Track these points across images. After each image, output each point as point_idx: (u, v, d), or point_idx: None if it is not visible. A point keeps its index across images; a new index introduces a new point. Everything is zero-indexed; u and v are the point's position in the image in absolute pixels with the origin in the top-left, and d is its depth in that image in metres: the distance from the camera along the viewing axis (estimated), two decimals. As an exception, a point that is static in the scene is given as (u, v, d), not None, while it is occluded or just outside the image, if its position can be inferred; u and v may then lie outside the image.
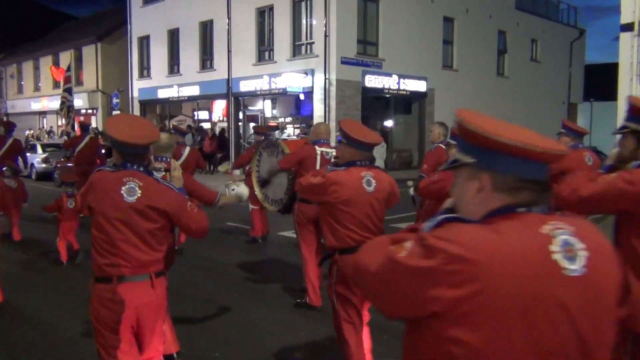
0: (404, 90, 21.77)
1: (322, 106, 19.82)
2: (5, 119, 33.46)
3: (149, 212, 2.97)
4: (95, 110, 30.98)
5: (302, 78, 20.04)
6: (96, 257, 3.00)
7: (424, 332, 1.32)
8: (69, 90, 17.42)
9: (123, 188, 2.95)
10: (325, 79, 19.61)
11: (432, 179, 4.62)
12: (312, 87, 20.06)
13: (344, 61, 19.67)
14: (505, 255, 1.25)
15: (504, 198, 1.34)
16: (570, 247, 1.28)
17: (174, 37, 25.93)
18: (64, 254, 7.72)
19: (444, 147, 6.25)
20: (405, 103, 22.80)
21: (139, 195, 2.95)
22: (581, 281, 1.26)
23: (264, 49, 22.09)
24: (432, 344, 1.30)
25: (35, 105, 35.31)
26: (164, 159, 3.91)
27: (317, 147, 5.79)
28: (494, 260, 1.24)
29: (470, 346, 1.24)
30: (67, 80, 17.81)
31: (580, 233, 1.31)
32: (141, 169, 3.04)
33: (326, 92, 19.66)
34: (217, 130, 23.53)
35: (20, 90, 37.98)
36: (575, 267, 1.27)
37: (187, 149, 8.01)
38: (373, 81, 20.62)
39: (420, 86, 22.33)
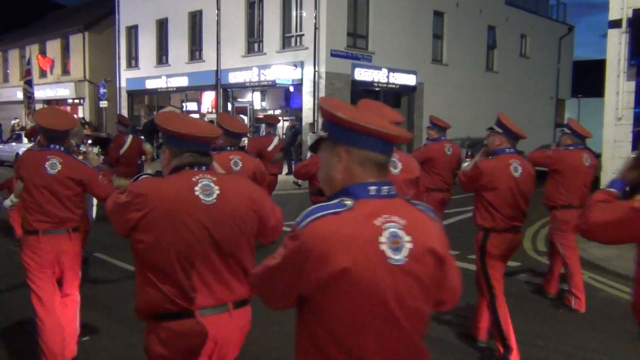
0: (393, 83, 21.76)
1: (312, 99, 19.77)
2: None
3: (67, 181, 3.93)
4: (82, 100, 30.67)
5: (292, 70, 19.97)
6: (26, 214, 3.93)
7: (132, 242, 2.36)
8: (29, 82, 17.96)
9: (47, 163, 3.88)
10: (315, 71, 19.57)
11: (303, 162, 5.60)
12: (302, 79, 20.01)
13: (334, 54, 19.64)
14: (162, 191, 2.30)
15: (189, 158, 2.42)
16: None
17: (162, 27, 25.74)
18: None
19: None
20: (394, 97, 22.78)
21: (59, 168, 3.90)
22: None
23: (254, 41, 21.98)
24: (134, 249, 2.36)
25: (21, 94, 34.54)
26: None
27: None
28: (155, 193, 2.28)
29: (146, 242, 2.28)
30: (27, 72, 18.33)
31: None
32: (61, 149, 3.97)
33: (315, 84, 19.59)
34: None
35: (5, 78, 37.59)
36: (209, 199, 2.32)
37: (130, 137, 8.88)
38: (363, 74, 20.58)
39: (409, 80, 22.33)
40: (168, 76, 25.18)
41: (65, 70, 31.77)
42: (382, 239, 1.54)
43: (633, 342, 3.02)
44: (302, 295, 1.61)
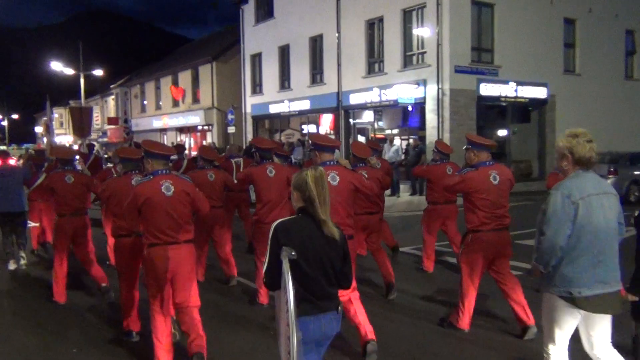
0: (522, 97, 20.63)
1: (435, 117, 19.31)
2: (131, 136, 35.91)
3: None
4: (210, 127, 32.24)
5: (414, 89, 19.62)
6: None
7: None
8: (125, 121, 19.43)
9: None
10: (438, 89, 19.12)
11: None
12: (424, 97, 19.59)
13: (458, 70, 19.10)
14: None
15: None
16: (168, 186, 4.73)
17: (284, 53, 26.48)
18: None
19: None
20: (523, 111, 21.57)
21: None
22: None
23: (374, 61, 21.93)
24: None
25: (157, 123, 37.51)
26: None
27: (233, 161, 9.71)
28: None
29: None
30: (125, 113, 19.96)
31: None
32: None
33: (439, 102, 19.14)
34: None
35: (143, 109, 40.52)
36: (169, 193, 4.69)
37: (185, 162, 10.25)
38: (489, 89, 19.75)
39: (539, 93, 21.07)
40: (290, 100, 25.76)
41: (195, 99, 33.61)
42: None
43: None
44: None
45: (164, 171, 4.77)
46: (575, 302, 3.40)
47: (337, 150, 17.32)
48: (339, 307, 3.13)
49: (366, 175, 6.07)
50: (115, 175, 6.11)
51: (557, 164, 3.67)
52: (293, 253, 2.84)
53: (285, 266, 2.79)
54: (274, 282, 2.96)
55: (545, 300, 3.59)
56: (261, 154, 6.68)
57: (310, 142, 5.36)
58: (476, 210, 5.30)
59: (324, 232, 3.02)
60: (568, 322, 3.51)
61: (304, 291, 2.96)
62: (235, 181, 7.91)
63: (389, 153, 18.75)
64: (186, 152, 14.39)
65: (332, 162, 5.10)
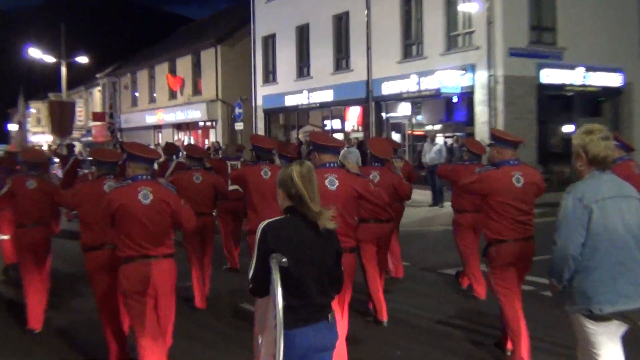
0: (591, 86, 20.41)
1: (486, 109, 19.14)
2: (118, 135, 36.05)
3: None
4: (214, 123, 32.18)
5: (460, 76, 19.46)
6: None
7: None
8: (111, 116, 19.54)
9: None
10: (490, 76, 19.00)
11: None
12: (473, 86, 19.46)
13: (514, 53, 18.96)
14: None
15: None
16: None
17: (303, 34, 26.49)
18: None
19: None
20: (593, 103, 21.31)
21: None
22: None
23: (411, 43, 21.83)
24: None
25: (150, 119, 37.63)
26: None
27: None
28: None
29: None
30: (110, 107, 19.98)
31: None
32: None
33: (491, 92, 19.01)
34: (353, 141, 23.22)
35: (134, 102, 40.67)
36: (147, 201, 4.98)
37: (173, 164, 11.09)
38: (551, 76, 19.57)
39: (613, 80, 20.84)
40: (310, 91, 25.67)
41: (197, 90, 33.68)
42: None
43: None
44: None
45: (144, 177, 5.07)
46: (598, 320, 3.48)
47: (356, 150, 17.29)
48: (330, 316, 3.28)
49: (378, 178, 6.66)
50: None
51: (572, 165, 3.84)
52: (284, 260, 2.98)
53: (275, 275, 2.95)
54: (261, 289, 3.13)
55: (573, 321, 3.67)
56: (258, 154, 7.06)
57: (309, 141, 5.85)
58: (497, 215, 5.43)
59: (317, 231, 3.18)
60: (605, 345, 3.53)
61: (292, 300, 3.07)
62: (230, 183, 8.22)
63: (429, 154, 18.51)
64: (182, 153, 14.36)
65: (333, 165, 5.27)
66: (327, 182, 5.06)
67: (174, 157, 13.11)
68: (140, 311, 4.87)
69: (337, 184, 5.14)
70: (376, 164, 7.02)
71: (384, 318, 6.88)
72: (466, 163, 8.07)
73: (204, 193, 7.84)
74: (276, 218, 3.24)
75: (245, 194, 6.99)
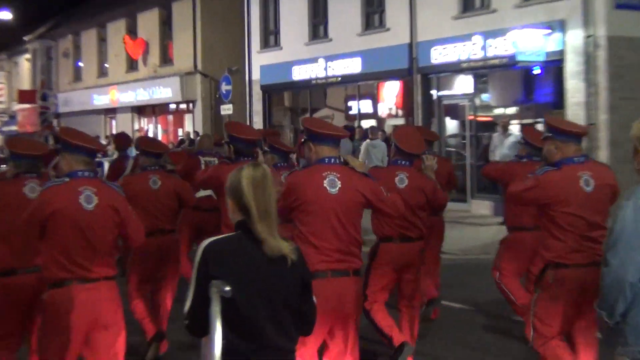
0: None
1: (582, 85, 18.37)
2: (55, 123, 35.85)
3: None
4: (191, 105, 31.16)
5: (544, 37, 18.70)
6: None
7: None
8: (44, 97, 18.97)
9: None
10: (587, 37, 18.24)
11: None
12: (562, 52, 18.67)
13: (620, 4, 18.18)
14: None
15: None
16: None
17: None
18: None
19: None
20: None
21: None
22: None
23: (472, -9, 21.28)
24: None
25: (101, 99, 36.59)
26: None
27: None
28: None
29: None
30: (43, 84, 21.04)
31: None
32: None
33: (589, 60, 18.29)
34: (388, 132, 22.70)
35: (77, 76, 39.71)
36: (90, 206, 4.98)
37: (130, 162, 11.21)
38: (676, 38, 18.87)
39: None
40: (328, 59, 24.57)
41: (167, 59, 32.47)
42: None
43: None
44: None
45: (85, 173, 5.14)
46: None
47: (382, 144, 18.70)
48: None
49: (406, 182, 6.82)
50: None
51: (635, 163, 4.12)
52: (227, 289, 3.11)
53: (215, 308, 3.10)
54: (200, 326, 3.22)
55: None
56: (237, 148, 7.13)
57: (303, 129, 6.02)
58: (559, 231, 5.46)
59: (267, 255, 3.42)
60: None
61: (239, 342, 3.20)
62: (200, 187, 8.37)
63: (501, 149, 18.01)
64: (135, 148, 13.84)
65: (333, 160, 5.39)
66: (326, 183, 5.20)
67: (131, 152, 13.45)
68: (63, 354, 4.96)
69: (340, 185, 5.26)
70: (404, 163, 7.04)
71: None
72: (524, 160, 8.09)
73: (163, 202, 7.73)
74: (223, 235, 3.47)
75: (219, 202, 7.06)
